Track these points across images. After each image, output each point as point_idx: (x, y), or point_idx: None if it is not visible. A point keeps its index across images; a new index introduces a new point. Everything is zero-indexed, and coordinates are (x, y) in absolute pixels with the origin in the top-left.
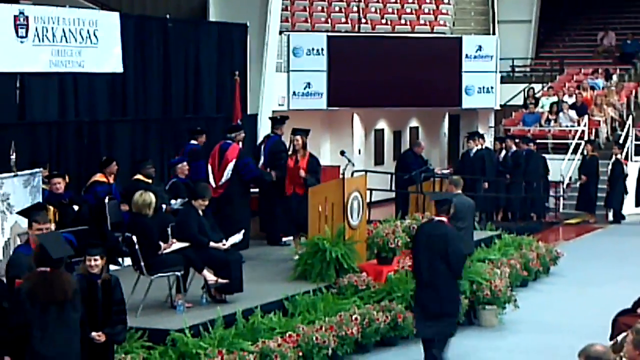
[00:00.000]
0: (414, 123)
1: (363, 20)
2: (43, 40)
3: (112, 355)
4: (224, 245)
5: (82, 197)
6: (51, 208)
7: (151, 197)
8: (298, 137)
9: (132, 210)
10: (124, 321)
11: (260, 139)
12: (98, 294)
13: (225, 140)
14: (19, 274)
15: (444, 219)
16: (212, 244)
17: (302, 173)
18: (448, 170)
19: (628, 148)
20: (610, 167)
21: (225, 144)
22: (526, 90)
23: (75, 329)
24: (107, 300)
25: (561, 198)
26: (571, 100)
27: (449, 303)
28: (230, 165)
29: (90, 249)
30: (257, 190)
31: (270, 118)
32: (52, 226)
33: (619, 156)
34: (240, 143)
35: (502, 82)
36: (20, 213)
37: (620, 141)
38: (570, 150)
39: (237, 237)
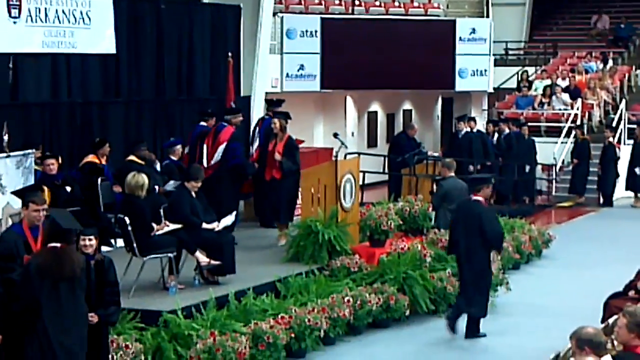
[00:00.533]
0: (407, 106)
1: (357, 3)
2: (36, 21)
3: (106, 336)
4: (216, 226)
5: (72, 173)
6: (45, 189)
7: (144, 178)
8: (276, 120)
9: (124, 191)
10: (118, 302)
11: (253, 120)
12: (91, 275)
13: (221, 122)
14: (8, 252)
15: (480, 198)
16: (204, 225)
17: (278, 156)
18: (438, 153)
19: (620, 131)
20: (602, 150)
21: (221, 126)
22: (520, 73)
23: (83, 306)
24: (101, 281)
25: (554, 181)
26: (564, 84)
27: (483, 281)
28: (221, 148)
29: (85, 229)
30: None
31: (266, 100)
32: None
33: (610, 139)
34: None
35: (495, 65)
36: (15, 193)
37: (613, 124)
38: (563, 134)
39: (229, 219)
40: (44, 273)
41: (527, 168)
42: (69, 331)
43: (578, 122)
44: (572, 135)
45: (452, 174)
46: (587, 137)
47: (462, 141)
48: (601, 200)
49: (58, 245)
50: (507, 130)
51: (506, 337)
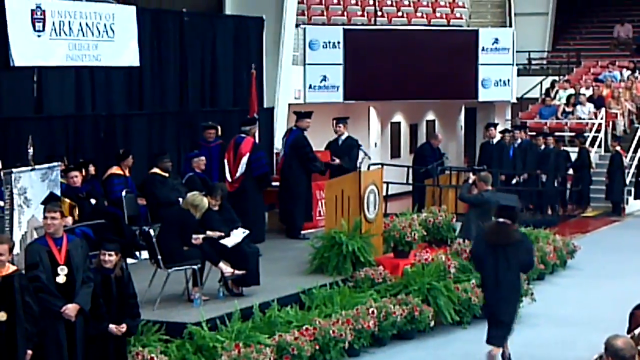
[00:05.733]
0: (430, 116)
1: (379, 13)
2: (60, 34)
3: (124, 346)
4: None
5: (94, 182)
6: (67, 201)
7: (205, 203)
8: None
9: (148, 203)
10: (138, 314)
11: (277, 131)
12: (112, 289)
13: (239, 134)
14: (34, 261)
15: None
16: (208, 232)
17: None
18: (466, 164)
19: None
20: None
21: (240, 138)
22: (542, 82)
23: (515, 273)
24: (121, 295)
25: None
26: (588, 93)
27: None
28: (245, 159)
29: (107, 243)
30: (277, 183)
31: (295, 112)
32: (69, 220)
33: (617, 148)
34: (256, 136)
35: (518, 74)
36: (43, 203)
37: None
38: (588, 143)
39: (238, 236)
40: (485, 238)
41: (545, 178)
42: (505, 285)
43: (602, 132)
44: (596, 145)
45: (490, 187)
46: (585, 146)
47: (496, 149)
48: (627, 209)
49: (503, 220)
50: (519, 140)
51: (531, 348)
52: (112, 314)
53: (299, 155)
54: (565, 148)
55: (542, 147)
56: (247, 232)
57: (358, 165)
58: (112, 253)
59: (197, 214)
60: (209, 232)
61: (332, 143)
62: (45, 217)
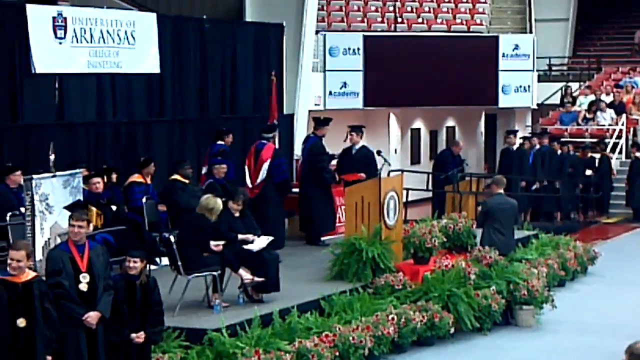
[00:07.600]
0: (450, 122)
1: (399, 20)
2: (81, 41)
3: (149, 354)
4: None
5: (115, 189)
6: (93, 209)
7: (219, 206)
8: None
9: (169, 209)
10: (162, 322)
11: (297, 138)
12: (137, 295)
13: (260, 140)
14: (56, 267)
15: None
16: (240, 236)
17: None
18: (486, 170)
19: None
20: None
21: (261, 144)
22: (564, 89)
23: None
24: (146, 301)
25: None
26: (609, 99)
27: None
28: (265, 165)
29: (133, 250)
30: (296, 190)
31: (313, 119)
32: (91, 227)
33: (637, 154)
34: (277, 143)
35: (539, 80)
36: (67, 208)
37: None
38: (608, 150)
39: (264, 241)
40: None
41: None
42: None
43: (623, 138)
44: (616, 151)
45: (501, 191)
46: (606, 154)
47: (517, 155)
48: None
49: None
50: (538, 146)
51: (551, 355)
52: (135, 321)
53: (313, 163)
54: (593, 155)
55: (572, 153)
56: (272, 238)
57: (378, 171)
58: (138, 260)
59: (213, 217)
60: (240, 236)
61: (346, 151)
62: (72, 225)
